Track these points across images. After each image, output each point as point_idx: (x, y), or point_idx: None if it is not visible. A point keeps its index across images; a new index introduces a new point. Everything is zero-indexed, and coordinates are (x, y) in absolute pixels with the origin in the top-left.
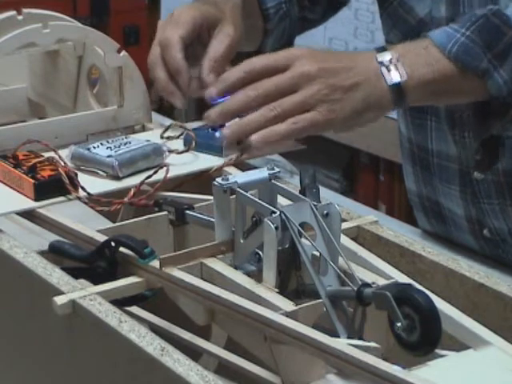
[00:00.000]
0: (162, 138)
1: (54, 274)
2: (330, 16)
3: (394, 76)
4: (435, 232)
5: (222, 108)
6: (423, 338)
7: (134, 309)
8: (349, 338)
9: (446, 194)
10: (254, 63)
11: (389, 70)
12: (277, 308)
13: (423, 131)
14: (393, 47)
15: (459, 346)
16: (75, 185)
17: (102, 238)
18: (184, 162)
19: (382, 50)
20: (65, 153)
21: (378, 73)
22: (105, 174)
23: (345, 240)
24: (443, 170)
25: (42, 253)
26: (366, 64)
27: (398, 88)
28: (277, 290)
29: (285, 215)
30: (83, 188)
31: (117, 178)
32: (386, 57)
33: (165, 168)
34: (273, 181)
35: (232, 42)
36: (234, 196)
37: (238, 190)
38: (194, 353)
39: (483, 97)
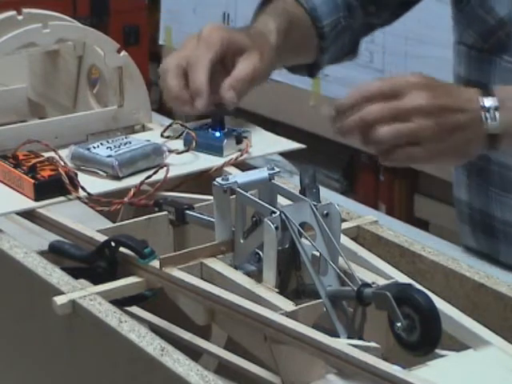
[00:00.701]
0: (162, 136)
1: (54, 274)
2: (398, 17)
3: (495, 125)
4: (479, 248)
5: (337, 127)
6: (423, 337)
7: (134, 309)
8: (349, 338)
9: (504, 205)
10: (370, 86)
11: (492, 118)
12: (277, 308)
13: None
14: (498, 91)
15: (459, 346)
16: (75, 185)
17: (102, 238)
18: (184, 162)
19: (486, 93)
20: (65, 153)
21: (480, 117)
22: (105, 174)
23: (345, 240)
24: (504, 179)
25: (41, 253)
26: (472, 106)
27: (495, 136)
28: (277, 290)
29: (285, 215)
30: (83, 188)
31: (117, 177)
32: (491, 103)
33: (165, 168)
34: (273, 181)
35: (255, 72)
36: (234, 196)
37: (238, 190)
38: (194, 353)
39: None
